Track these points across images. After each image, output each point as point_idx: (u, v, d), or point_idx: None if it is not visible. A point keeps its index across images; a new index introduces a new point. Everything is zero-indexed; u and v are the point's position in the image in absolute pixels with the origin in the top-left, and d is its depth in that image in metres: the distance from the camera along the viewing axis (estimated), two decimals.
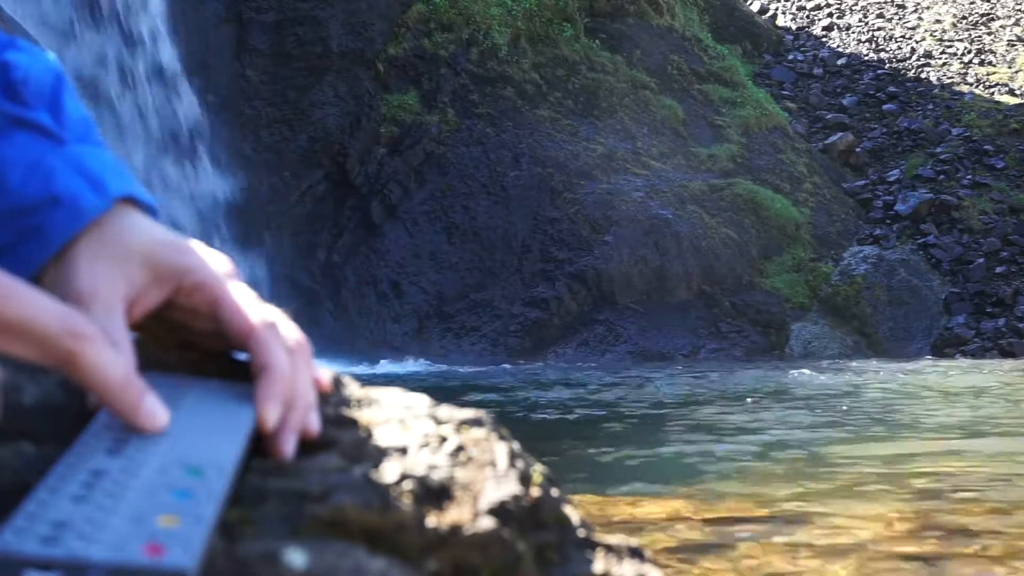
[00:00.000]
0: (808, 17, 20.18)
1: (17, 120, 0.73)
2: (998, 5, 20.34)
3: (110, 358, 0.60)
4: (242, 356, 0.72)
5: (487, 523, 0.61)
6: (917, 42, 19.34)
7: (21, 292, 0.59)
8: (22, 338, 0.59)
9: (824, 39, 19.38)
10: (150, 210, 0.76)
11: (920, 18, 20.13)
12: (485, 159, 13.25)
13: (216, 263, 0.73)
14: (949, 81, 17.98)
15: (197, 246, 0.74)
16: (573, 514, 0.68)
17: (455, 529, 0.60)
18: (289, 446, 0.64)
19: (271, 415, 0.65)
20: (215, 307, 0.71)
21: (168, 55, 12.18)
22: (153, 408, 0.62)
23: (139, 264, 0.70)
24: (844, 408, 6.30)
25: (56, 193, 0.71)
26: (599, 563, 0.66)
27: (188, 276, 0.71)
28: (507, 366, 11.25)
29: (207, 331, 0.72)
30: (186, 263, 0.71)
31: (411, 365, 11.28)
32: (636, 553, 0.69)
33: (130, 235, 0.71)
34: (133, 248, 0.71)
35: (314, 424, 0.67)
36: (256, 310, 0.71)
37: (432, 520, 0.60)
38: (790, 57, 18.63)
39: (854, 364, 10.90)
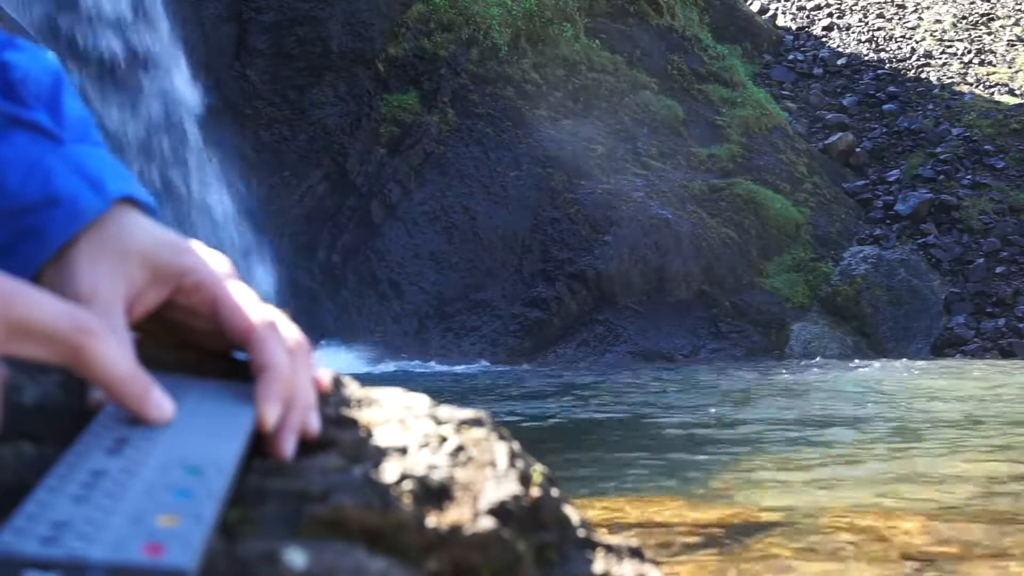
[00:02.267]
0: (808, 17, 20.18)
1: (16, 120, 0.73)
2: (998, 5, 20.33)
3: (116, 351, 0.61)
4: (242, 356, 0.72)
5: (487, 523, 0.61)
6: (917, 42, 19.34)
7: (25, 292, 0.60)
8: (30, 338, 0.59)
9: (824, 39, 19.38)
10: (150, 210, 0.76)
11: (920, 18, 20.13)
12: (485, 159, 13.25)
13: (216, 263, 0.73)
14: (949, 81, 17.98)
15: (197, 246, 0.74)
16: (573, 514, 0.68)
17: (455, 529, 0.60)
18: (289, 446, 0.64)
19: (271, 415, 0.65)
20: (215, 307, 0.71)
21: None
22: (160, 400, 0.62)
23: (139, 264, 0.70)
24: (843, 409, 6.30)
25: (55, 193, 0.71)
26: (599, 563, 0.66)
27: (188, 276, 0.71)
28: (506, 366, 11.26)
29: (207, 331, 0.72)
30: (186, 263, 0.71)
31: (408, 366, 11.28)
32: (636, 553, 0.69)
33: (129, 235, 0.71)
34: (132, 248, 0.71)
35: (314, 424, 0.67)
36: (256, 310, 0.71)
37: (432, 520, 0.60)
38: (790, 57, 18.63)
39: (854, 364, 10.90)
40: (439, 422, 0.70)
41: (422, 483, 0.63)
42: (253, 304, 0.71)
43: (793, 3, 20.61)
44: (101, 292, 0.68)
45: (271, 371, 0.67)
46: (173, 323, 0.73)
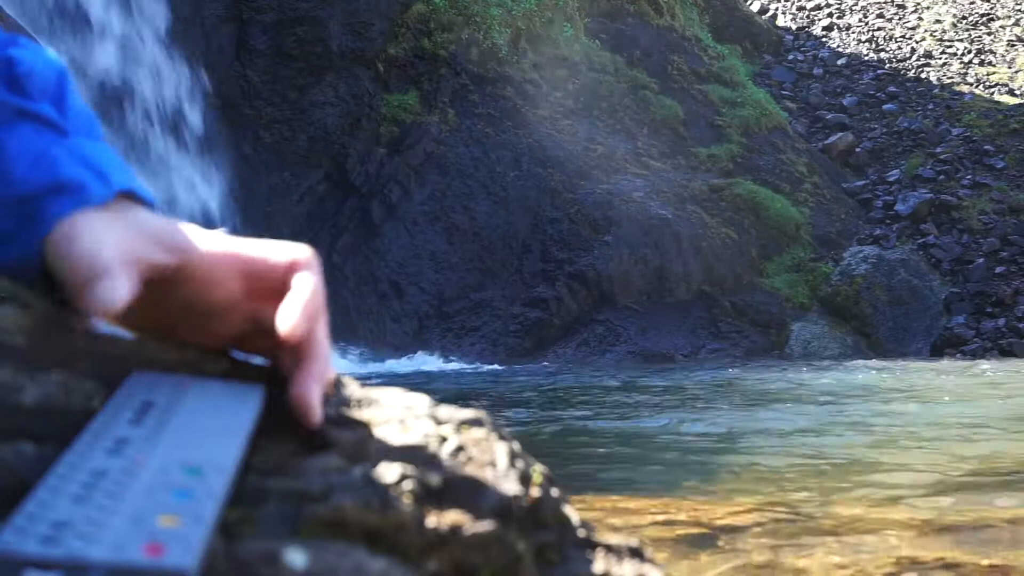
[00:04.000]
0: (808, 17, 20.18)
1: (21, 111, 0.73)
2: (998, 5, 20.33)
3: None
4: (242, 356, 0.72)
5: (487, 523, 0.61)
6: (917, 42, 19.34)
7: None
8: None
9: (824, 39, 19.38)
10: (150, 207, 0.76)
11: (920, 18, 20.13)
12: (485, 159, 13.25)
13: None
14: (949, 81, 17.98)
15: (201, 229, 0.74)
16: (573, 514, 0.68)
17: (455, 529, 0.60)
18: (314, 396, 0.66)
19: (313, 401, 0.66)
20: (242, 263, 0.71)
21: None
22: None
23: (147, 237, 0.70)
24: (844, 408, 6.31)
25: (61, 180, 0.71)
26: (599, 563, 0.66)
27: (196, 252, 0.71)
28: (507, 366, 11.26)
29: (217, 306, 0.72)
30: (193, 242, 0.71)
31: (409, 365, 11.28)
32: (636, 553, 0.69)
33: (135, 219, 0.71)
34: (140, 227, 0.71)
35: (331, 373, 0.70)
36: (287, 250, 0.72)
37: (432, 520, 0.60)
38: (790, 57, 18.63)
39: (854, 364, 10.90)
40: (439, 422, 0.70)
41: (422, 483, 0.63)
42: (283, 248, 0.72)
43: (793, 3, 20.60)
44: (107, 249, 0.67)
45: (315, 356, 0.68)
46: (182, 303, 0.73)
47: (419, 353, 11.78)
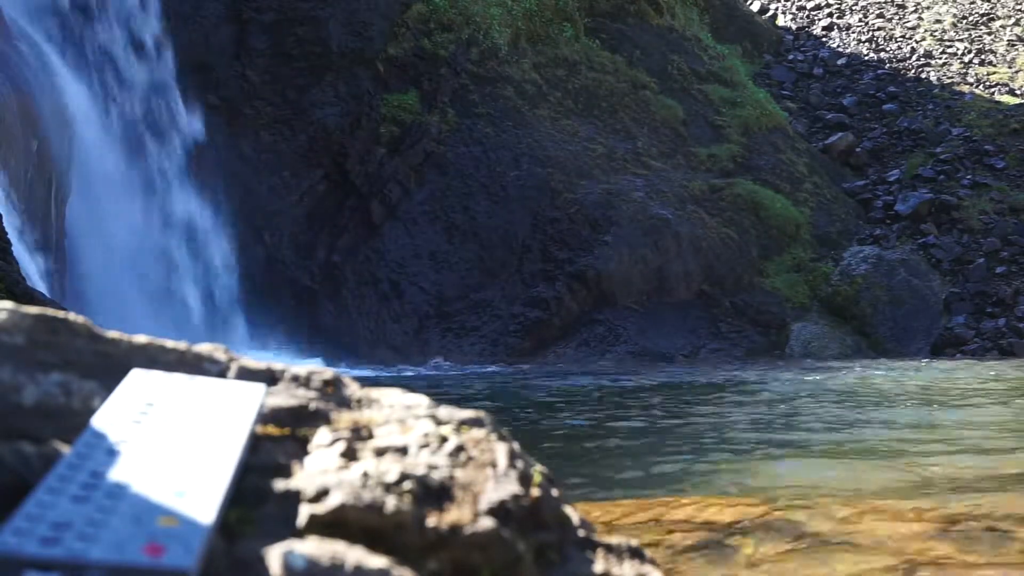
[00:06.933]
0: (808, 17, 20.18)
1: None
2: (998, 5, 20.33)
3: None
4: (243, 356, 0.71)
5: (487, 523, 0.61)
6: (917, 42, 19.34)
7: None
8: None
9: (824, 39, 19.39)
10: None
11: (920, 18, 20.13)
12: (485, 159, 13.25)
13: None
14: (949, 81, 17.98)
15: None
16: (573, 514, 0.68)
17: (455, 529, 0.60)
18: None
19: None
20: None
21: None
22: None
23: None
24: (844, 409, 6.30)
25: None
26: (599, 563, 0.66)
27: None
28: (507, 366, 11.26)
29: None
30: None
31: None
32: (636, 553, 0.69)
33: None
34: None
35: None
36: None
37: (432, 520, 0.60)
38: (790, 57, 18.64)
39: (854, 364, 10.90)
40: (439, 422, 0.70)
41: (422, 483, 0.63)
42: None
43: (793, 3, 20.61)
44: None
45: None
46: None
47: (418, 353, 11.78)
